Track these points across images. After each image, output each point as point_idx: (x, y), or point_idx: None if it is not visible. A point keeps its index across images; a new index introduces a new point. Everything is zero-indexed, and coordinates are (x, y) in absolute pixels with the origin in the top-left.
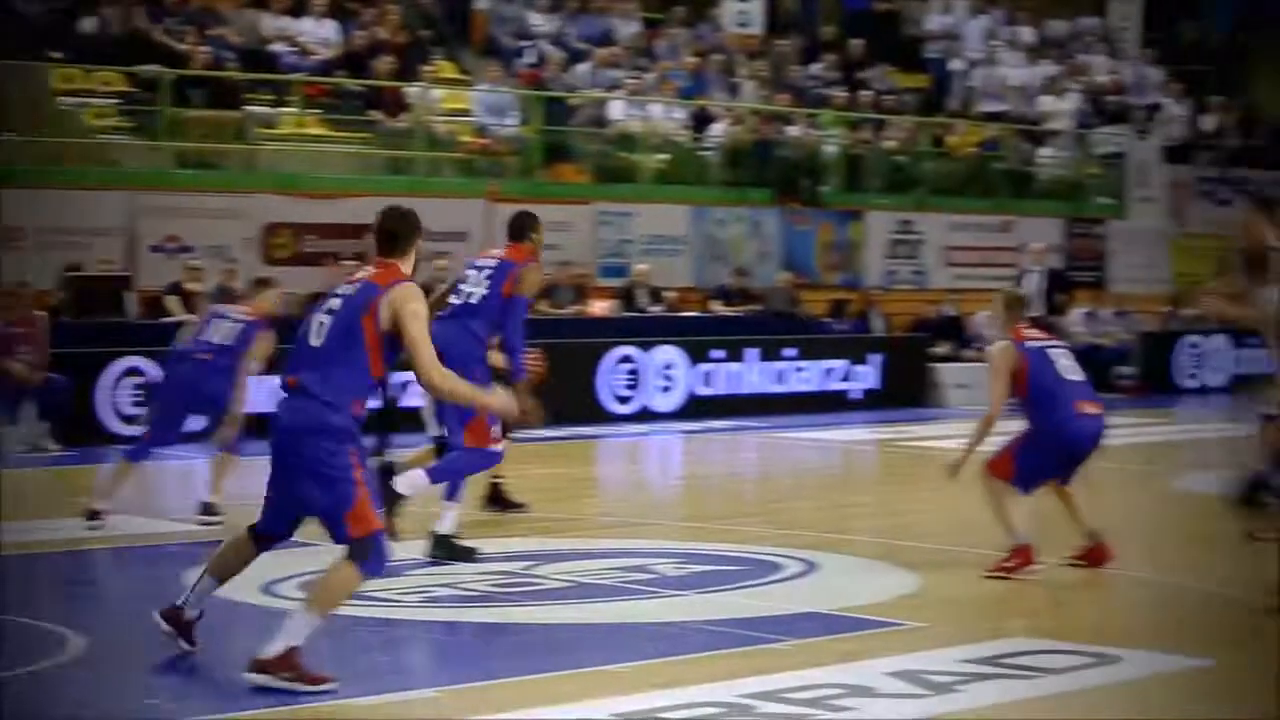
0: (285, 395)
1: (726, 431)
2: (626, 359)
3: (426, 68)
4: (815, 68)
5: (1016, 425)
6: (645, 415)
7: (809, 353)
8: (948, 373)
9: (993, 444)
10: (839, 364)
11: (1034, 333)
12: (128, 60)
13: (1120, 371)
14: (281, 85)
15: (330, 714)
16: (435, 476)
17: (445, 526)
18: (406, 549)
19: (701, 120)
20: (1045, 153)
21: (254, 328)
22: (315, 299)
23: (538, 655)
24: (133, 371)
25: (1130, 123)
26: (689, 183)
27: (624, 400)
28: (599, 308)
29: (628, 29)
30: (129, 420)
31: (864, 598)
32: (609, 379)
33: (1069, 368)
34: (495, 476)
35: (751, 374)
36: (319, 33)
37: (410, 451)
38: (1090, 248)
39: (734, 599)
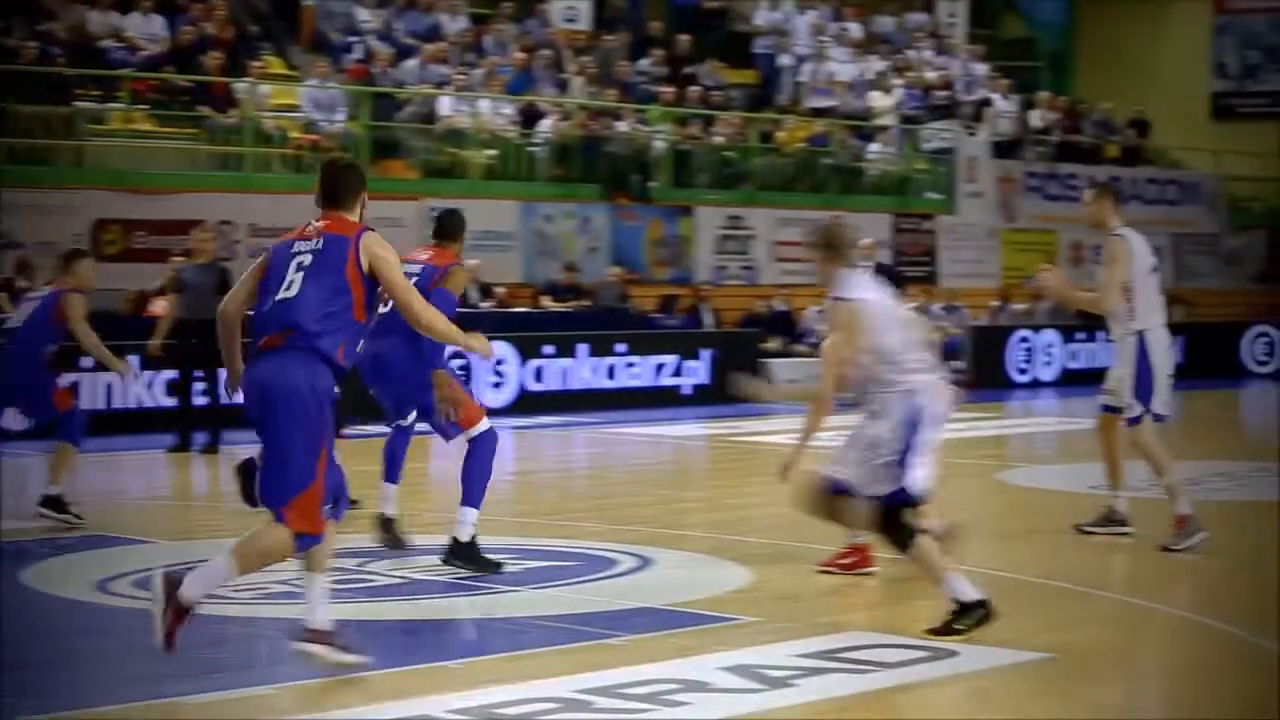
0: (263, 356)
1: (558, 427)
2: (458, 354)
3: (255, 63)
4: (643, 63)
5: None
6: None
7: (640, 348)
8: (779, 368)
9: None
10: (670, 359)
11: None
12: None
13: (951, 366)
14: (110, 81)
15: (162, 713)
16: (470, 499)
17: (389, 509)
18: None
19: (530, 116)
20: (874, 148)
21: (54, 296)
22: (141, 296)
23: (373, 652)
24: None
25: (958, 118)
26: (518, 179)
27: None
28: None
29: (455, 24)
30: None
31: (698, 593)
32: None
33: None
34: None
35: (582, 370)
36: (147, 28)
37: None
38: (920, 243)
39: (568, 595)
